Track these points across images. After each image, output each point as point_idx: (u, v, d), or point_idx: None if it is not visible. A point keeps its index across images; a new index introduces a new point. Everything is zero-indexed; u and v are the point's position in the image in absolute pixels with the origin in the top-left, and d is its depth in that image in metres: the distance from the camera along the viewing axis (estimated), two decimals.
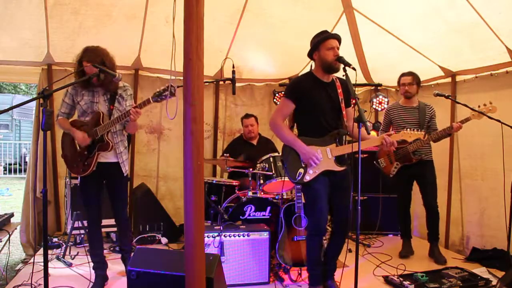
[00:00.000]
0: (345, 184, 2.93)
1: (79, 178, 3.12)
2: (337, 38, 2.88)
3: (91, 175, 3.00)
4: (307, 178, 2.86)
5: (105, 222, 3.34)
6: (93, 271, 3.16)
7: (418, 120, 3.82)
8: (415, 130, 2.95)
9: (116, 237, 4.28)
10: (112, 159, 3.06)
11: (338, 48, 2.85)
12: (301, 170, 2.87)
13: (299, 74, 5.30)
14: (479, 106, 3.45)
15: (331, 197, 2.96)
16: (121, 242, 3.39)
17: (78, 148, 3.02)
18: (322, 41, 2.85)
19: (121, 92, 3.05)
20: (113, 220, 3.27)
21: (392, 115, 4.01)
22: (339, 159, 2.88)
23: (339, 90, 2.95)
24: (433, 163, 3.92)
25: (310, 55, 2.97)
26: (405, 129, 2.99)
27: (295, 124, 3.14)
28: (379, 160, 4.07)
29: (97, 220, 3.12)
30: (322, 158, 2.85)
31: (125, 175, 3.14)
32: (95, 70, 2.79)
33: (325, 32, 2.93)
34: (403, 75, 3.96)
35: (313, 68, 3.04)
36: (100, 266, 3.14)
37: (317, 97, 2.90)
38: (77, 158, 3.01)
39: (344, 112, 2.94)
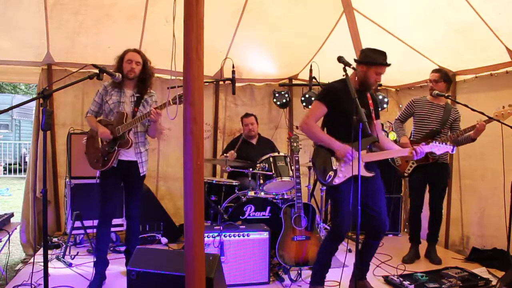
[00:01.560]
0: (376, 187, 2.93)
1: (98, 173, 3.25)
2: (389, 66, 2.93)
3: (111, 172, 3.13)
4: (337, 181, 2.85)
5: None
6: (92, 271, 3.15)
7: (442, 118, 3.75)
8: (444, 144, 2.94)
9: (116, 237, 4.27)
10: (132, 157, 3.19)
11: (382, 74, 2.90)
12: (331, 173, 2.86)
13: (298, 75, 5.33)
14: (503, 107, 3.33)
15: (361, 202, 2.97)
16: (128, 243, 3.33)
17: (100, 145, 3.17)
18: (378, 64, 2.86)
19: (147, 97, 3.22)
20: (116, 220, 3.29)
21: (416, 107, 3.88)
22: (368, 165, 2.88)
23: (370, 101, 2.99)
24: (449, 167, 3.86)
25: (358, 63, 2.94)
26: (434, 142, 2.97)
27: (325, 129, 3.13)
28: (394, 158, 3.96)
29: (110, 216, 3.21)
30: (353, 163, 2.83)
31: (141, 175, 3.25)
32: (138, 58, 3.10)
33: (383, 55, 2.92)
34: (432, 71, 3.81)
35: (345, 76, 3.01)
36: (101, 263, 3.17)
37: (350, 102, 2.88)
38: (98, 154, 3.16)
39: (374, 122, 2.98)
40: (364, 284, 3.10)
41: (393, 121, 5.20)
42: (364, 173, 2.86)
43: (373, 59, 2.88)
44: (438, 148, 2.94)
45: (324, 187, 3.07)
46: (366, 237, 3.07)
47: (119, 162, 3.15)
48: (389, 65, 2.91)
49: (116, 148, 3.11)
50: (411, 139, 3.85)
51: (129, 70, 3.08)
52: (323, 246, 3.04)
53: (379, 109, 3.00)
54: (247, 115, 4.70)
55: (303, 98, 4.91)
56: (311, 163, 3.30)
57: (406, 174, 3.91)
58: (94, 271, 3.14)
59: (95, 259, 3.18)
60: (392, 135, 4.56)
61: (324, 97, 2.98)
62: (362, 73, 2.91)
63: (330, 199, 3.03)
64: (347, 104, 2.85)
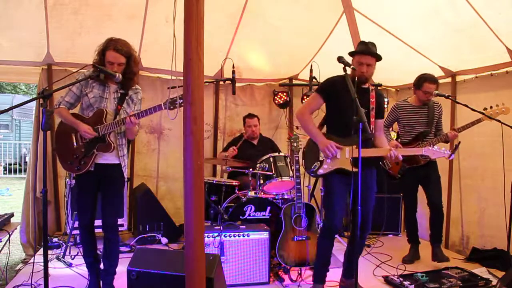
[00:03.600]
0: (367, 186, 2.92)
1: (72, 176, 3.01)
2: (372, 54, 2.89)
3: (89, 177, 2.84)
4: (321, 171, 2.96)
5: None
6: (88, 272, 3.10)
7: (427, 119, 3.76)
8: (439, 148, 2.93)
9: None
10: (113, 160, 2.89)
11: (369, 65, 2.89)
12: (317, 163, 2.99)
13: (298, 75, 5.33)
14: (491, 107, 3.39)
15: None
16: (107, 257, 2.93)
17: (75, 144, 2.83)
18: (356, 53, 2.90)
19: (132, 94, 2.92)
20: None
21: (400, 114, 3.90)
22: (354, 161, 2.88)
23: (372, 100, 3.00)
24: (437, 163, 3.87)
25: (350, 55, 3.02)
26: (431, 146, 2.98)
27: (325, 124, 3.19)
28: (384, 161, 3.95)
29: (89, 224, 2.92)
30: (340, 156, 2.89)
31: (125, 179, 3.05)
32: (121, 60, 2.73)
33: (365, 45, 2.94)
34: (428, 81, 3.66)
35: (345, 76, 2.98)
36: (93, 265, 3.02)
37: (347, 97, 2.86)
38: (72, 155, 2.82)
39: (372, 120, 2.99)
40: (352, 283, 3.09)
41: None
42: (348, 167, 2.88)
43: (355, 50, 2.95)
44: (433, 152, 2.92)
45: (323, 187, 3.11)
46: (350, 234, 3.09)
47: (96, 165, 2.82)
48: (370, 53, 2.89)
49: (95, 151, 2.78)
50: (399, 141, 3.85)
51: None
52: (318, 244, 3.07)
53: (382, 108, 3.00)
54: (251, 116, 4.68)
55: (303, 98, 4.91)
56: (301, 153, 3.35)
57: (397, 177, 3.90)
58: (88, 272, 3.05)
59: (86, 263, 3.04)
60: (393, 134, 4.57)
61: (322, 89, 3.06)
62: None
63: (323, 193, 3.08)
64: (344, 99, 2.89)
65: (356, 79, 2.86)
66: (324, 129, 3.18)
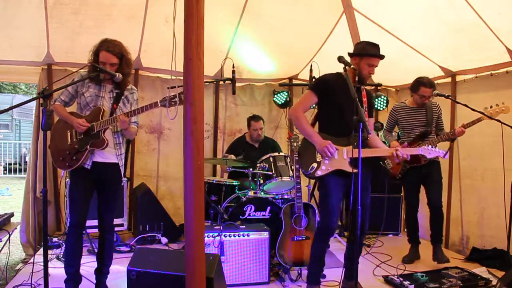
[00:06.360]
0: (363, 186, 2.91)
1: (69, 174, 2.95)
2: (382, 58, 2.92)
3: (84, 175, 2.82)
4: (319, 173, 2.88)
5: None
6: (91, 271, 3.09)
7: (426, 120, 3.77)
8: (436, 148, 2.92)
9: (116, 236, 4.25)
10: (112, 159, 2.88)
11: (375, 67, 2.90)
12: (314, 164, 2.90)
13: (298, 75, 5.33)
14: (491, 107, 3.39)
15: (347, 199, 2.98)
16: (102, 259, 2.96)
17: (69, 140, 2.82)
18: (369, 55, 2.88)
19: (128, 94, 2.93)
20: (116, 220, 3.17)
21: (398, 116, 3.91)
22: (353, 162, 2.86)
23: (364, 99, 2.99)
24: (440, 164, 3.87)
25: (351, 55, 2.99)
26: (427, 145, 2.98)
27: (317, 122, 3.14)
28: (385, 161, 3.96)
29: (80, 224, 2.84)
30: (338, 157, 2.85)
31: (122, 179, 3.02)
32: (113, 60, 2.75)
33: (376, 47, 2.94)
34: (423, 84, 3.68)
35: (345, 76, 2.95)
36: (73, 279, 2.84)
37: (343, 96, 2.86)
38: (65, 151, 2.81)
39: (367, 119, 2.95)
40: (353, 285, 3.09)
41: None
42: (347, 168, 2.86)
43: (365, 51, 2.90)
44: (429, 152, 2.92)
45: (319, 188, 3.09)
46: (350, 235, 3.07)
47: (94, 164, 2.81)
48: (381, 56, 2.91)
49: (88, 147, 2.76)
50: (400, 141, 3.85)
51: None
52: (313, 243, 3.04)
53: (373, 107, 2.98)
54: (256, 118, 4.54)
55: None
56: (296, 154, 3.33)
57: (398, 177, 3.89)
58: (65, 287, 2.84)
59: (66, 276, 2.84)
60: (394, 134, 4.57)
61: (317, 87, 3.01)
62: (355, 66, 2.92)
63: (319, 194, 3.05)
64: (340, 98, 2.88)
65: (357, 79, 2.87)
66: (316, 127, 3.12)
